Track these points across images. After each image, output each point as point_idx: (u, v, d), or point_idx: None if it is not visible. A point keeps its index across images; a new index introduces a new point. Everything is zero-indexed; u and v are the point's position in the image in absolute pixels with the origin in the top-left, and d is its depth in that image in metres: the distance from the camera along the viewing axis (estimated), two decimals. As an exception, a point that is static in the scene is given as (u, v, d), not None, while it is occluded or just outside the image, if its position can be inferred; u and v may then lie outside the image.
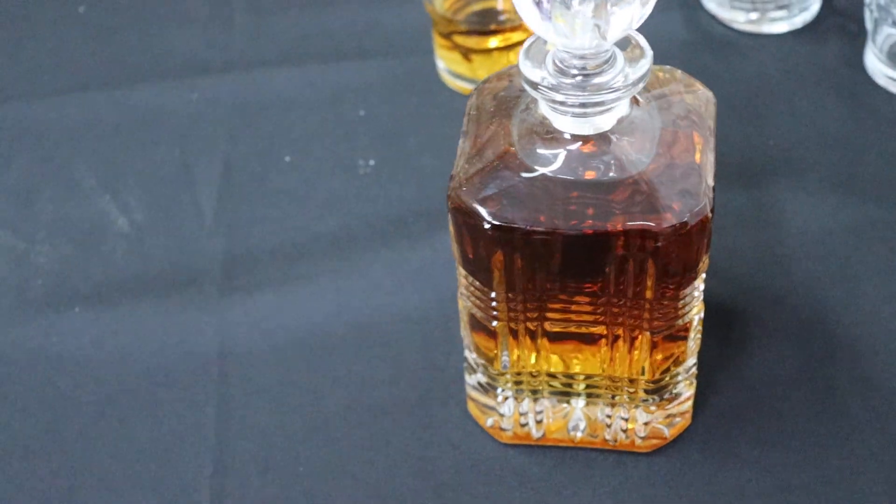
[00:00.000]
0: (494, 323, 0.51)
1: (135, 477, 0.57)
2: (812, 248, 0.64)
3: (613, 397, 0.53)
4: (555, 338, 0.50)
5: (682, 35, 0.77)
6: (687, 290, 0.49)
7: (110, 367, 0.61)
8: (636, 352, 0.50)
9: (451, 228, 0.49)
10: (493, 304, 0.50)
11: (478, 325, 0.51)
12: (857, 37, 0.75)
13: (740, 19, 0.77)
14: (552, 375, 0.53)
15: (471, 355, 0.54)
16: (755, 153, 0.69)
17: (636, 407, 0.54)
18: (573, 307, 0.49)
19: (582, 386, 0.53)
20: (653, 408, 0.54)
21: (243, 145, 0.73)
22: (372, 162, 0.71)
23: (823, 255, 0.63)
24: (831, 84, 0.73)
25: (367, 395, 0.59)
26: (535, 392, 0.54)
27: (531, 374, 0.53)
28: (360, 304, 0.63)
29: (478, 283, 0.50)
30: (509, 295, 0.49)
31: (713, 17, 0.78)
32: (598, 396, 0.53)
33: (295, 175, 0.71)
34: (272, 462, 0.57)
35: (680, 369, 0.52)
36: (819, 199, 0.66)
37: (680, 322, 0.50)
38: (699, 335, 0.53)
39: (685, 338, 0.51)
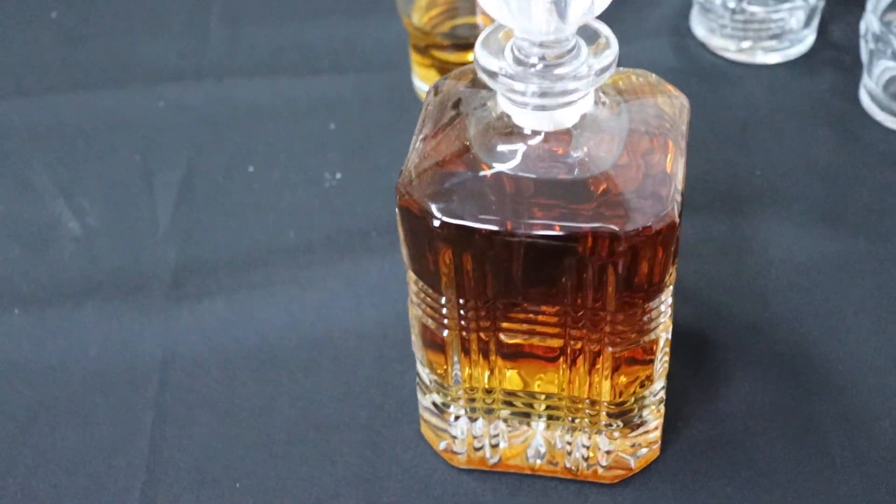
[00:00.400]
0: (445, 333, 0.47)
1: (61, 487, 0.53)
2: (795, 279, 0.60)
3: (573, 420, 0.49)
4: (510, 352, 0.47)
5: (671, 62, 0.75)
6: (652, 304, 0.45)
7: (47, 371, 0.58)
8: (597, 371, 0.47)
9: (399, 227, 0.45)
10: (444, 311, 0.46)
11: (429, 337, 0.48)
12: (851, 69, 0.73)
13: (731, 48, 0.74)
14: (509, 393, 0.49)
15: (423, 371, 0.51)
16: (740, 182, 0.66)
17: (598, 433, 0.50)
18: (529, 317, 0.46)
19: (542, 406, 0.50)
20: (616, 434, 0.50)
21: (207, 154, 0.70)
22: (339, 175, 0.68)
23: (807, 287, 0.60)
24: (823, 116, 0.70)
25: (315, 412, 0.55)
26: (490, 412, 0.50)
27: (485, 391, 0.49)
28: (314, 317, 0.59)
29: (427, 288, 0.46)
30: (460, 301, 0.46)
31: (703, 45, 0.75)
32: (558, 419, 0.50)
33: (258, 186, 0.68)
34: (208, 477, 0.53)
35: (646, 392, 0.49)
36: (805, 231, 0.63)
37: (644, 340, 0.46)
38: (667, 357, 0.49)
39: (650, 360, 0.47)
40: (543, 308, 0.45)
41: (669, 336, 0.48)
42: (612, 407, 0.48)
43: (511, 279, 0.44)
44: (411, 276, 0.47)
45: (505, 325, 0.46)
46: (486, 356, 0.47)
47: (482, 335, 0.47)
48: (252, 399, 0.56)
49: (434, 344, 0.48)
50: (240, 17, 0.80)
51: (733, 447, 0.53)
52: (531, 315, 0.46)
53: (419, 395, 0.52)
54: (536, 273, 0.44)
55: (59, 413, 0.56)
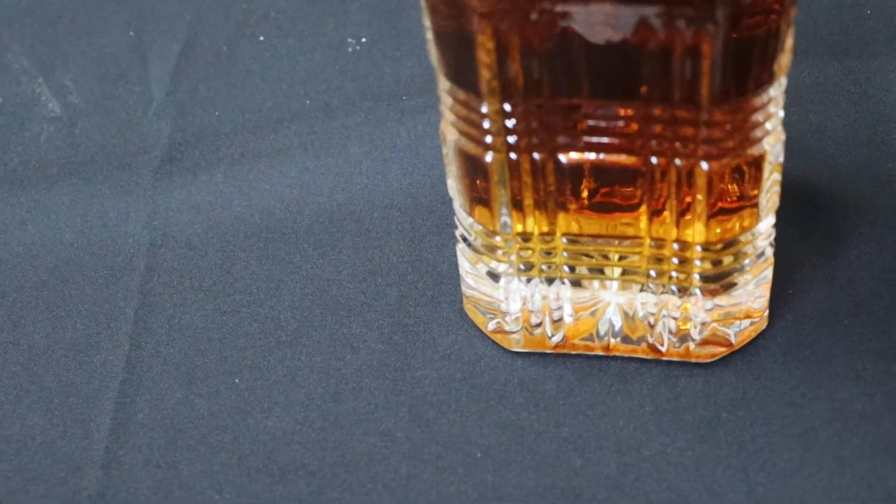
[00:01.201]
0: (489, 157, 0.36)
1: (34, 382, 0.43)
2: (925, 125, 0.49)
3: (657, 277, 0.38)
4: (572, 173, 0.36)
5: None
6: (760, 100, 0.34)
7: (17, 259, 0.48)
8: (688, 196, 0.36)
9: (424, 8, 0.35)
10: (486, 125, 0.35)
11: (469, 167, 0.37)
12: None
13: None
14: (572, 240, 0.38)
15: (464, 222, 0.40)
16: (848, 22, 0.55)
17: (690, 295, 0.39)
18: (596, 125, 0.35)
19: (616, 259, 0.38)
20: (712, 300, 0.39)
21: (210, 24, 0.59)
22: (364, 39, 0.57)
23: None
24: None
25: (333, 293, 0.45)
26: (549, 270, 0.39)
27: (543, 240, 0.38)
28: (331, 187, 0.49)
29: (464, 95, 0.35)
30: (505, 108, 0.35)
31: None
32: (637, 276, 0.39)
33: (269, 54, 0.57)
34: (199, 372, 0.43)
35: (750, 235, 0.38)
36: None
37: (749, 153, 0.35)
38: (777, 188, 0.38)
39: (756, 184, 0.36)
40: (616, 107, 0.34)
41: (781, 157, 0.37)
42: (708, 254, 0.37)
43: (572, 66, 0.33)
44: (443, 84, 0.36)
45: (563, 138, 0.35)
46: (540, 184, 0.36)
47: (535, 155, 0.36)
48: (255, 282, 0.46)
49: (476, 175, 0.37)
50: None
51: (857, 318, 0.42)
52: (599, 122, 0.34)
53: (461, 262, 0.42)
54: (603, 56, 0.33)
55: (29, 306, 0.46)
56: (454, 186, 0.39)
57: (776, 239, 0.42)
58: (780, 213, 0.44)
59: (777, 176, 0.37)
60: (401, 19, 0.58)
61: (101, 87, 0.56)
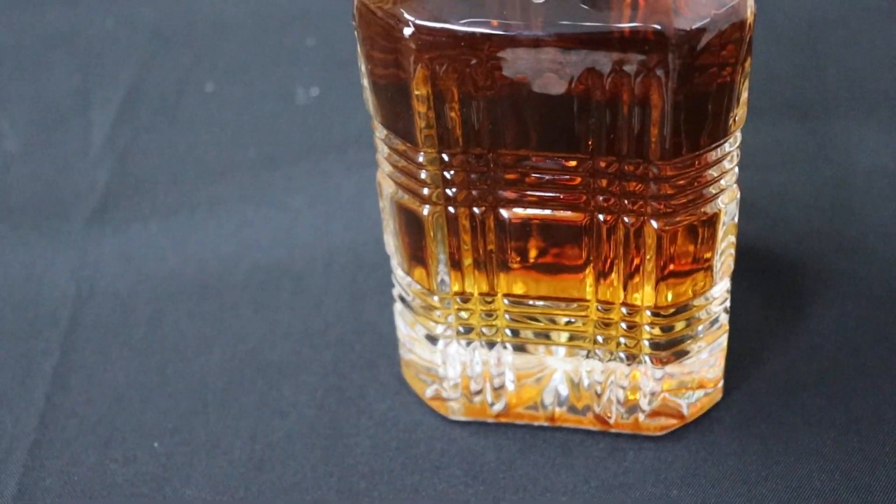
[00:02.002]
0: (425, 210, 0.34)
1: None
2: (887, 189, 0.47)
3: (603, 342, 0.36)
4: (514, 230, 0.34)
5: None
6: (713, 155, 0.32)
7: (-71, 313, 0.45)
8: (637, 258, 0.33)
9: (358, 51, 0.32)
10: (422, 175, 0.33)
11: (405, 221, 0.35)
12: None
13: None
14: (515, 302, 0.36)
15: (402, 279, 0.37)
16: (810, 84, 0.53)
17: (640, 364, 0.36)
18: (539, 179, 0.32)
19: (560, 325, 0.36)
20: (663, 369, 0.36)
21: (157, 72, 0.57)
22: (316, 91, 0.55)
23: (888, 202, 0.47)
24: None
25: (265, 354, 0.42)
26: (490, 333, 0.37)
27: (483, 301, 0.36)
28: (270, 241, 0.46)
29: (400, 143, 0.33)
30: (443, 157, 0.32)
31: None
32: (583, 342, 0.36)
33: (216, 104, 0.55)
34: (117, 434, 0.40)
35: (703, 300, 0.35)
36: (889, 135, 0.50)
37: (703, 210, 0.33)
38: (732, 250, 0.36)
39: (710, 243, 0.34)
40: (561, 158, 0.32)
41: (736, 217, 0.35)
42: (658, 319, 0.35)
43: (514, 115, 0.31)
44: (380, 132, 0.34)
45: (506, 192, 0.33)
46: (479, 241, 0.34)
47: (475, 209, 0.33)
48: (184, 339, 0.43)
49: (413, 231, 0.35)
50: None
51: (817, 390, 0.39)
52: (542, 175, 0.32)
53: (399, 324, 0.39)
54: (548, 105, 0.31)
55: (-65, 360, 0.43)
56: (391, 243, 0.37)
57: (733, 305, 0.40)
58: (738, 279, 0.42)
59: (732, 238, 0.35)
60: (353, 70, 0.56)
61: (40, 133, 0.54)
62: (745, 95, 0.32)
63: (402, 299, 0.38)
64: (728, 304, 0.37)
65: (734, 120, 0.32)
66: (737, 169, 0.33)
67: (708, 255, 0.34)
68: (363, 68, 0.33)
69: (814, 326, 0.42)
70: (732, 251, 0.35)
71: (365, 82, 0.33)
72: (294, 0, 0.61)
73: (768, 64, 0.54)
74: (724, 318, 0.37)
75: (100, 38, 0.60)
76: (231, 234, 0.47)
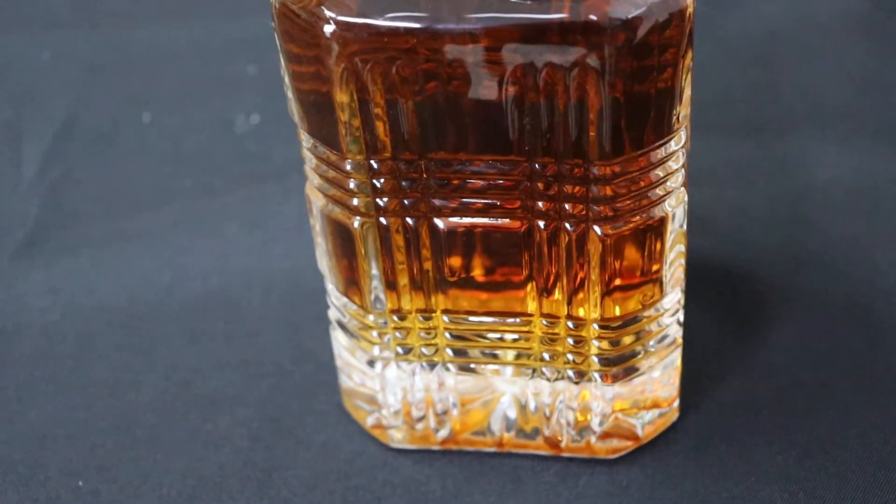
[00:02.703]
0: (356, 222, 0.32)
1: None
2: (848, 203, 0.46)
3: (550, 359, 0.34)
4: (450, 241, 0.32)
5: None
6: (657, 155, 0.30)
7: None
8: (580, 266, 0.32)
9: (280, 58, 0.31)
10: (351, 184, 0.31)
11: (337, 236, 0.33)
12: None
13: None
14: (454, 319, 0.34)
15: (337, 300, 0.35)
16: (764, 101, 0.52)
17: (589, 382, 0.35)
18: (474, 184, 0.31)
19: (505, 342, 0.34)
20: (614, 387, 0.34)
21: (93, 104, 0.55)
22: (256, 119, 0.53)
23: (866, 211, 0.45)
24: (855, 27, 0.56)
25: (198, 385, 0.40)
26: (431, 354, 0.35)
27: (421, 319, 0.34)
28: (205, 270, 0.44)
29: (327, 151, 0.31)
30: (372, 164, 0.31)
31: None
32: (529, 359, 0.34)
33: (153, 135, 0.53)
34: (39, 473, 0.37)
35: (654, 311, 0.34)
36: (854, 149, 0.48)
37: (649, 215, 0.31)
38: (682, 260, 0.34)
39: (658, 252, 0.32)
40: (496, 164, 0.30)
41: (685, 223, 0.33)
42: (606, 332, 0.33)
43: (444, 116, 0.29)
44: (306, 141, 0.32)
45: (439, 200, 0.31)
46: (414, 254, 0.32)
47: (408, 219, 0.32)
48: (114, 373, 0.41)
49: (345, 246, 0.33)
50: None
51: (778, 408, 0.38)
52: (477, 180, 0.30)
53: (336, 350, 0.37)
54: (483, 103, 0.29)
55: None
56: (324, 261, 0.35)
57: (688, 322, 0.39)
58: (694, 296, 0.40)
59: (681, 247, 0.33)
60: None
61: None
62: (688, 92, 0.30)
63: (339, 322, 0.36)
64: (681, 316, 0.35)
65: (678, 118, 0.30)
66: (684, 171, 0.32)
67: (656, 264, 0.32)
68: (285, 73, 0.31)
69: (773, 343, 0.40)
70: (682, 261, 0.34)
71: (288, 90, 0.31)
72: (236, 28, 0.60)
73: (721, 80, 0.53)
74: (677, 332, 0.35)
75: (35, 70, 0.58)
76: (164, 264, 0.45)
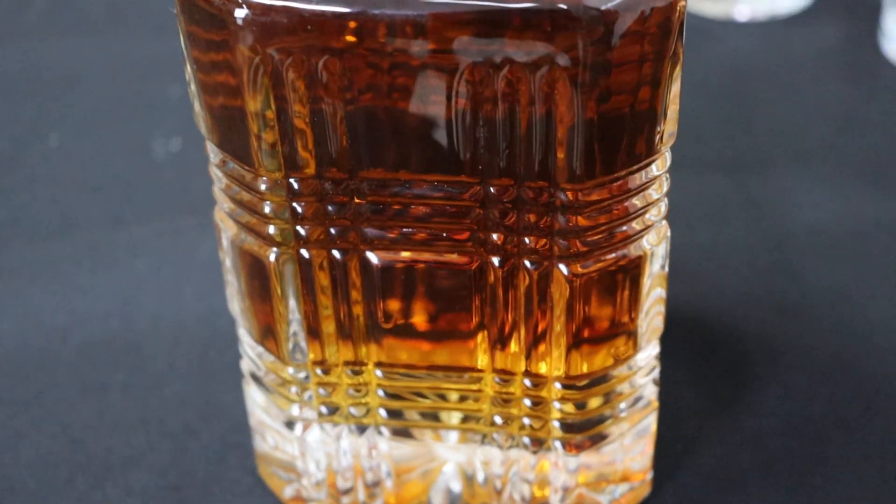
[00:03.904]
0: (272, 254, 0.26)
1: None
2: (832, 248, 0.41)
3: (503, 424, 0.29)
4: (385, 279, 0.26)
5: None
6: (636, 180, 0.25)
7: None
8: (542, 316, 0.26)
9: (184, 55, 0.25)
10: (266, 208, 0.26)
11: (251, 271, 0.27)
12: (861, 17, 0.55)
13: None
14: (389, 372, 0.28)
15: (252, 349, 0.30)
16: (738, 139, 0.47)
17: (548, 451, 0.29)
18: (415, 210, 0.25)
19: (452, 399, 0.29)
20: (578, 457, 0.29)
21: (-5, 125, 0.50)
22: (178, 144, 0.48)
23: (851, 257, 0.40)
24: (834, 66, 0.52)
25: (89, 446, 0.34)
26: (361, 416, 0.29)
27: (351, 371, 0.28)
28: (105, 310, 0.39)
29: (239, 168, 0.26)
30: (291, 184, 0.25)
31: None
32: (478, 423, 0.29)
33: (59, 160, 0.47)
34: None
35: (626, 369, 0.28)
36: (837, 190, 0.44)
37: (623, 254, 0.26)
38: (661, 308, 0.29)
39: (634, 297, 0.27)
40: (442, 187, 0.25)
41: (666, 264, 0.28)
42: (570, 393, 0.28)
43: (380, 126, 0.24)
44: (214, 156, 0.27)
45: (371, 228, 0.26)
46: (342, 294, 0.27)
47: (334, 252, 0.26)
48: (-11, 430, 0.35)
49: (259, 284, 0.27)
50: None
51: (765, 480, 0.32)
52: (419, 206, 0.25)
53: (250, 407, 0.32)
54: (428, 110, 0.24)
55: None
56: (235, 303, 0.29)
57: (661, 381, 0.33)
58: (666, 351, 0.35)
59: (661, 291, 0.28)
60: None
61: None
62: (675, 107, 0.25)
63: (253, 375, 0.30)
64: (657, 374, 0.30)
65: (661, 137, 0.25)
66: (666, 201, 0.27)
67: (632, 312, 0.27)
68: (189, 73, 0.26)
69: (756, 404, 0.35)
70: (662, 308, 0.28)
71: (193, 96, 0.26)
72: (159, 47, 0.54)
73: (692, 115, 0.48)
74: (652, 394, 0.30)
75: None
76: (59, 304, 0.39)
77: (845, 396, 0.35)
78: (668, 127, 0.25)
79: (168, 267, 0.40)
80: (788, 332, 0.37)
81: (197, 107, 0.26)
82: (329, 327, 0.27)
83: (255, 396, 0.31)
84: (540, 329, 0.27)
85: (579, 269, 0.25)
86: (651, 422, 0.31)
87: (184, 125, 0.49)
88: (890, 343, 0.37)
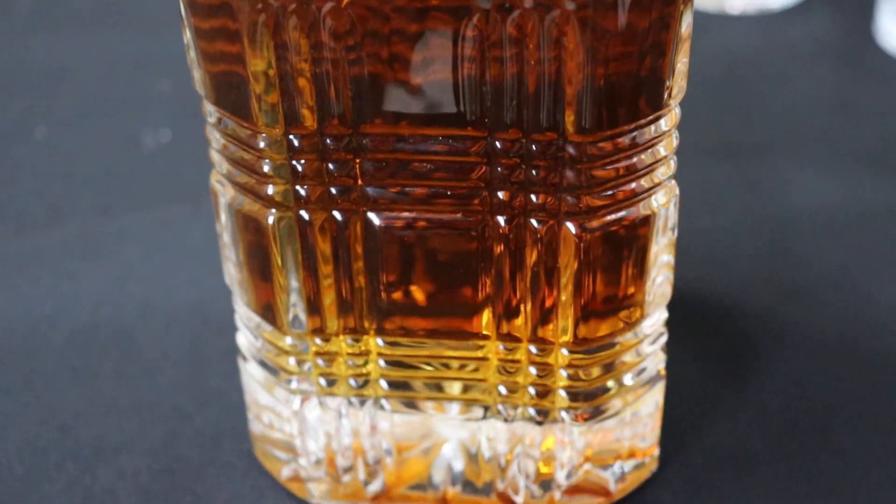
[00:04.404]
0: (270, 217, 0.26)
1: None
2: (836, 230, 0.40)
3: (507, 394, 0.28)
4: (388, 245, 0.26)
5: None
6: (647, 134, 0.25)
7: None
8: (549, 277, 0.26)
9: (183, 18, 0.25)
10: (265, 167, 0.25)
11: (250, 235, 0.27)
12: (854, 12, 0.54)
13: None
14: (391, 342, 0.27)
15: (249, 321, 0.29)
16: (736, 126, 0.47)
17: (553, 424, 0.28)
18: (420, 166, 0.25)
19: (454, 368, 0.28)
20: (582, 428, 0.28)
21: (-20, 118, 0.49)
22: (167, 136, 0.47)
23: (855, 240, 0.40)
24: (828, 56, 0.52)
25: (79, 431, 0.33)
26: (362, 387, 0.28)
27: (350, 338, 0.27)
28: (96, 298, 0.38)
29: (238, 127, 0.25)
30: (292, 140, 0.25)
31: None
32: (481, 394, 0.28)
33: (46, 152, 0.47)
34: None
35: (631, 336, 0.28)
36: (836, 174, 0.43)
37: (631, 213, 0.25)
38: (670, 274, 0.28)
39: (641, 259, 0.26)
40: (445, 136, 0.24)
41: (676, 227, 0.27)
42: (578, 358, 0.27)
43: (383, 78, 0.23)
44: (211, 116, 0.26)
45: (373, 188, 0.25)
46: (343, 259, 0.26)
47: (335, 214, 0.25)
48: (-25, 416, 0.34)
49: (257, 249, 0.27)
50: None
51: (771, 458, 0.32)
52: (421, 161, 0.24)
53: (246, 385, 0.31)
54: (432, 61, 0.23)
55: None
56: (232, 271, 0.28)
57: (666, 362, 0.33)
58: (672, 332, 0.34)
59: (669, 258, 0.28)
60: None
61: None
62: (685, 60, 0.25)
63: (249, 350, 0.30)
64: (664, 340, 0.29)
65: (670, 91, 0.24)
66: (675, 159, 0.26)
67: (641, 275, 0.26)
68: (186, 26, 0.25)
69: (761, 384, 0.34)
70: (670, 275, 0.28)
71: (189, 49, 0.25)
72: (150, 43, 0.54)
73: (687, 103, 0.48)
74: (660, 364, 0.29)
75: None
76: (47, 291, 0.38)
77: (851, 373, 0.34)
78: (678, 80, 0.25)
79: (158, 254, 0.40)
80: (792, 312, 0.36)
81: (193, 64, 0.25)
82: (329, 296, 0.26)
83: (250, 372, 0.30)
84: (547, 293, 0.26)
85: (588, 227, 0.25)
86: (658, 398, 0.30)
87: (174, 121, 0.48)
88: (895, 322, 0.36)
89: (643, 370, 0.29)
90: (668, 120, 0.25)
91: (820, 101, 0.48)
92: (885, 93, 0.49)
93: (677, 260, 0.38)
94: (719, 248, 0.40)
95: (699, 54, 0.53)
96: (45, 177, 0.45)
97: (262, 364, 0.29)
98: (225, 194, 0.27)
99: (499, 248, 0.25)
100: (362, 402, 0.28)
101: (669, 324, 0.34)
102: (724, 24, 0.54)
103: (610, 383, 0.28)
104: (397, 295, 0.26)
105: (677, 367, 0.34)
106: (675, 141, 0.26)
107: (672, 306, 0.34)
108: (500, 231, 0.25)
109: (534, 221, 0.25)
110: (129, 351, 0.36)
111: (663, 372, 0.29)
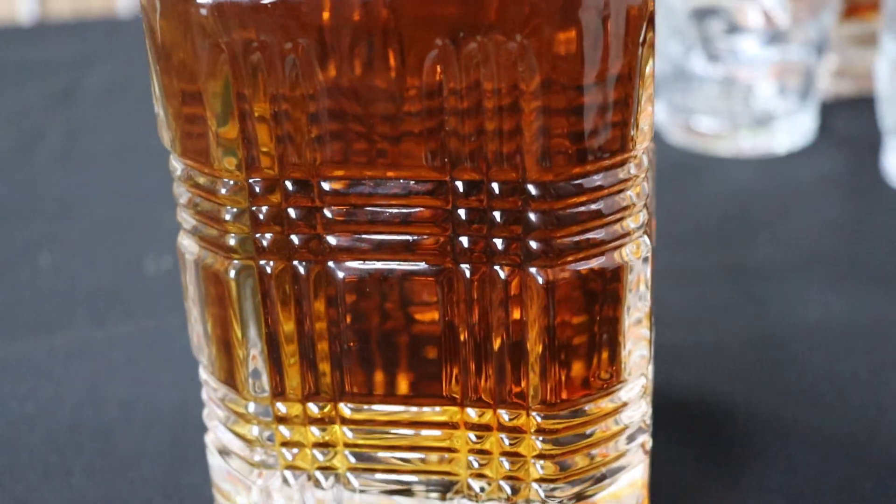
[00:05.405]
0: (231, 270, 0.25)
1: None
2: (841, 344, 0.39)
3: (477, 457, 0.26)
4: (349, 293, 0.25)
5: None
6: (613, 177, 0.24)
7: None
8: (515, 325, 0.25)
9: (149, 61, 0.25)
10: (225, 214, 0.25)
11: (211, 293, 0.26)
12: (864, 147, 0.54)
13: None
14: (355, 421, 0.26)
15: (215, 391, 0.28)
16: (741, 250, 0.46)
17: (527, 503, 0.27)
18: (383, 209, 0.24)
19: (415, 463, 0.26)
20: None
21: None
22: (169, 264, 0.47)
23: (861, 352, 0.38)
24: (835, 190, 0.52)
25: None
26: (325, 467, 0.27)
27: (316, 406, 0.26)
28: (78, 399, 0.37)
29: (198, 173, 0.25)
30: (252, 185, 0.24)
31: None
32: (447, 477, 0.27)
33: (47, 278, 0.46)
34: None
35: (608, 401, 0.26)
36: (842, 292, 0.42)
37: (599, 262, 0.24)
38: (646, 338, 0.27)
39: (613, 310, 0.25)
40: (406, 181, 0.23)
41: (649, 287, 0.26)
42: (549, 423, 0.26)
43: (346, 118, 0.23)
44: (177, 166, 0.26)
45: (334, 237, 0.24)
46: (306, 310, 0.25)
47: (297, 263, 0.25)
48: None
49: (218, 307, 0.26)
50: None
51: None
52: (385, 201, 0.24)
53: (214, 476, 0.29)
54: (396, 98, 0.23)
55: None
56: (198, 332, 0.27)
57: (661, 462, 0.31)
58: (670, 432, 0.33)
59: (645, 330, 0.26)
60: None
61: None
62: (649, 108, 0.24)
63: (216, 425, 0.28)
64: (646, 439, 0.27)
65: (637, 129, 0.24)
66: (645, 212, 0.25)
67: (611, 331, 0.25)
68: (154, 80, 0.25)
69: (764, 484, 0.32)
70: (646, 339, 0.27)
71: (157, 100, 0.25)
72: (157, 179, 0.54)
73: (692, 231, 0.48)
74: (641, 462, 0.27)
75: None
76: (29, 393, 0.37)
77: (855, 473, 0.33)
78: (642, 121, 0.24)
79: (144, 357, 0.39)
80: (795, 413, 0.35)
81: (160, 114, 0.25)
82: (290, 349, 0.26)
83: (223, 439, 0.29)
84: (515, 344, 0.25)
85: (553, 275, 0.24)
86: (642, 470, 0.28)
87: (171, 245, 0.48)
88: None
89: (621, 469, 0.27)
90: (636, 166, 0.24)
91: (827, 229, 0.48)
92: (892, 220, 0.48)
93: (676, 367, 0.37)
94: (722, 358, 0.38)
95: (707, 191, 0.53)
96: (44, 296, 0.45)
97: (228, 454, 0.28)
98: (190, 253, 0.26)
99: (464, 299, 0.25)
100: (326, 478, 0.27)
101: (667, 424, 0.33)
102: (733, 165, 0.54)
103: (586, 477, 0.26)
104: (357, 349, 0.25)
105: (677, 468, 0.32)
106: (645, 189, 0.25)
107: (668, 406, 0.33)
108: (465, 281, 0.24)
109: (499, 270, 0.24)
110: (105, 450, 0.35)
111: (645, 479, 0.28)
